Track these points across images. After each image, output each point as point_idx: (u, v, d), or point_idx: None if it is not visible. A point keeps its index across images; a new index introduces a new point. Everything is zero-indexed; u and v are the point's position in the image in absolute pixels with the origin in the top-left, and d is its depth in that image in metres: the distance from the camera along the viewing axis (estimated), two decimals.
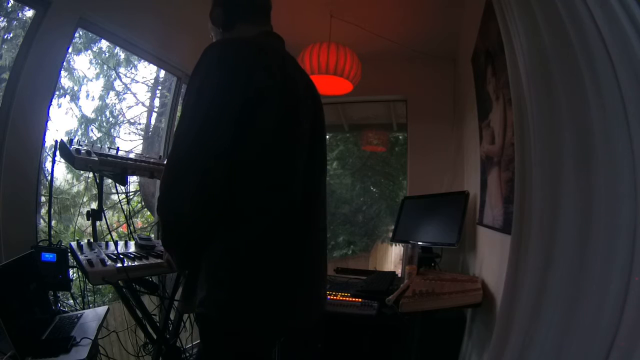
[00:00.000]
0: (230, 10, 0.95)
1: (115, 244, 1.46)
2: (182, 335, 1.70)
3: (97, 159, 1.44)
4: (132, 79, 3.69)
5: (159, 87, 3.74)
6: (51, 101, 1.71)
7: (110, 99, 3.59)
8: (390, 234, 2.67)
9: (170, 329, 1.65)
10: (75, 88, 3.37)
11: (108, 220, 1.79)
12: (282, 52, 0.93)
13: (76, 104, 3.37)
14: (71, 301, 1.81)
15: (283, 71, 0.85)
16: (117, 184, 1.66)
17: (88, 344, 1.25)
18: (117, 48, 3.34)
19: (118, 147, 1.65)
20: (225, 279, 0.79)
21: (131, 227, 1.87)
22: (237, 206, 0.79)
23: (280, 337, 1.05)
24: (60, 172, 3.18)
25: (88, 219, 1.59)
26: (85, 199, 3.18)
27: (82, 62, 3.52)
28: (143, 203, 3.35)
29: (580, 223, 0.67)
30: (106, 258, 1.22)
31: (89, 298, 1.73)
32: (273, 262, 0.81)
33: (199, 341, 0.91)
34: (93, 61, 3.41)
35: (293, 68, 0.93)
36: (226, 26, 0.96)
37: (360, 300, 1.70)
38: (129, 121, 3.68)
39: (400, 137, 4.92)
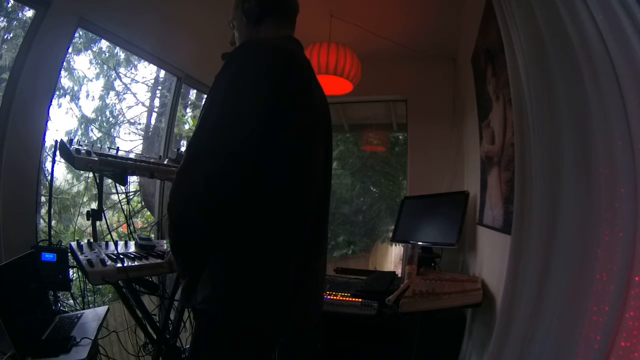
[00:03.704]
0: (265, 4, 0.98)
1: (115, 244, 1.46)
2: (182, 335, 1.70)
3: (97, 159, 1.44)
4: (132, 79, 3.69)
5: (159, 87, 3.74)
6: (51, 101, 1.71)
7: (110, 99, 3.60)
8: (390, 234, 2.67)
9: (170, 329, 1.65)
10: (75, 88, 3.37)
11: (108, 220, 1.79)
12: (305, 60, 0.96)
13: (76, 104, 3.37)
14: (71, 301, 1.81)
15: (308, 78, 0.90)
16: (117, 184, 1.66)
17: (88, 344, 1.25)
18: (117, 48, 3.34)
19: (118, 147, 1.65)
20: (230, 278, 0.80)
21: (131, 227, 1.87)
22: (248, 209, 0.80)
23: (280, 338, 1.06)
24: (60, 172, 3.18)
25: (88, 219, 1.59)
26: (85, 199, 3.18)
27: (82, 62, 3.52)
28: (143, 203, 3.35)
29: (580, 223, 0.67)
30: (106, 258, 1.22)
31: (89, 298, 1.73)
32: (278, 264, 0.83)
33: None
34: (93, 61, 3.41)
35: (312, 74, 0.96)
36: (257, 19, 0.99)
37: (360, 300, 1.70)
38: (129, 121, 3.68)
39: (400, 137, 4.92)
